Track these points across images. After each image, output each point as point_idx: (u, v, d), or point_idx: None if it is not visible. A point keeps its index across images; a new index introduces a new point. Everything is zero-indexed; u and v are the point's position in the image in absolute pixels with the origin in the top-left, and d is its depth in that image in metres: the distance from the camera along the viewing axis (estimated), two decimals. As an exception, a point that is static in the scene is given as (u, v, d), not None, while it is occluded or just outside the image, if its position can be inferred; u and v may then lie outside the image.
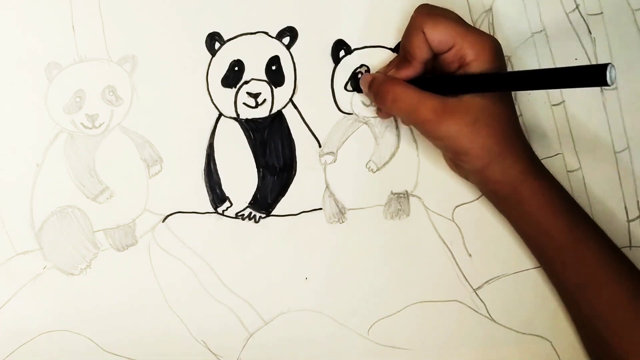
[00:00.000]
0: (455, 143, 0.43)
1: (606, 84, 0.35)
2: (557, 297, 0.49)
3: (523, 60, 0.49)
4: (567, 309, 0.48)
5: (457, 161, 0.45)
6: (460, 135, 0.42)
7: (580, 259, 0.44)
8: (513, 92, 0.49)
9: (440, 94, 0.43)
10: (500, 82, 0.42)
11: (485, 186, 0.46)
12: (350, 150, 0.48)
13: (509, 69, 0.49)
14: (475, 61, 0.42)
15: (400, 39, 0.48)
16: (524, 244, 0.49)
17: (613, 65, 0.35)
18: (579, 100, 0.50)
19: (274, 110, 0.47)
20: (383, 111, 0.47)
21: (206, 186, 0.47)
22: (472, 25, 0.45)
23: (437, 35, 0.43)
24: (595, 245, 0.44)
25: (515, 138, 0.44)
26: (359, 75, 0.48)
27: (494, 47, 0.43)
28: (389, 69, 0.46)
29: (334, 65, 0.48)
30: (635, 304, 0.43)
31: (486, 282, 0.50)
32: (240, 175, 0.47)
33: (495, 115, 0.43)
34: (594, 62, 0.50)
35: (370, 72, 0.47)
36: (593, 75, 0.35)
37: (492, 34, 0.49)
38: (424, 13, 0.44)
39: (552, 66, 0.49)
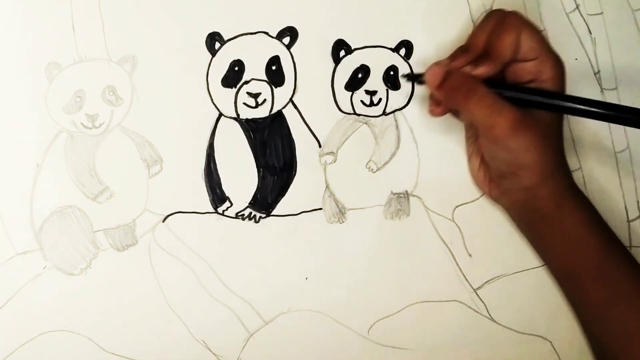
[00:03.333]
0: (524, 156, 0.43)
1: None
2: (557, 297, 0.49)
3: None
4: (585, 328, 0.47)
5: (513, 176, 0.44)
6: (531, 149, 0.42)
7: (612, 276, 0.44)
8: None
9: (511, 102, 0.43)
10: (587, 108, 0.41)
11: (530, 204, 0.45)
12: (350, 150, 0.48)
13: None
14: (551, 80, 0.43)
15: (400, 39, 0.48)
16: (523, 244, 0.49)
17: None
18: (579, 100, 0.50)
19: (274, 110, 0.47)
20: (444, 108, 0.45)
21: (206, 186, 0.47)
22: None
23: (532, 42, 0.43)
24: (625, 265, 0.44)
25: (563, 155, 0.45)
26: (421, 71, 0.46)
27: (564, 73, 0.44)
28: (463, 63, 0.43)
29: (334, 65, 0.48)
30: None
31: (486, 282, 0.50)
32: (240, 175, 0.47)
33: (558, 133, 0.44)
34: (594, 63, 0.50)
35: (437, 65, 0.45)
36: None
37: (492, 33, 0.49)
38: (522, 17, 0.43)
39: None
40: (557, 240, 0.46)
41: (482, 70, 0.43)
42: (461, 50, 0.44)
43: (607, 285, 0.44)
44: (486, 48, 0.44)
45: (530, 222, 0.47)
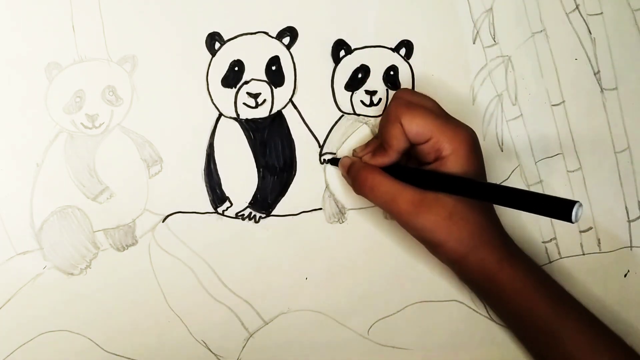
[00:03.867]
0: (432, 235, 0.43)
1: (570, 221, 0.35)
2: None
3: (523, 60, 0.49)
4: None
5: (433, 253, 0.45)
6: (437, 228, 0.42)
7: (564, 333, 0.43)
8: (514, 92, 0.49)
9: (416, 186, 0.43)
10: (476, 191, 0.41)
11: (463, 275, 0.46)
12: (350, 150, 0.48)
13: (509, 71, 0.49)
14: (453, 155, 0.42)
15: (400, 39, 0.48)
16: (522, 243, 0.49)
17: (581, 204, 0.35)
18: (579, 100, 0.50)
19: (274, 111, 0.47)
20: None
21: (206, 186, 0.47)
22: (449, 114, 0.45)
23: (415, 127, 0.42)
24: (577, 320, 0.43)
25: (491, 227, 0.44)
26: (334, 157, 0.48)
27: (471, 140, 0.43)
28: (366, 152, 0.45)
29: (334, 65, 0.48)
30: None
31: (486, 282, 0.50)
32: (240, 175, 0.47)
33: (472, 208, 0.43)
34: (594, 63, 0.50)
35: (349, 155, 0.47)
36: (560, 210, 0.36)
37: (492, 34, 0.49)
38: (402, 104, 0.43)
39: (552, 66, 0.49)
40: (502, 307, 0.46)
41: (378, 162, 0.44)
42: (369, 143, 0.47)
43: (562, 345, 0.43)
44: (381, 139, 0.44)
45: (474, 290, 0.47)
